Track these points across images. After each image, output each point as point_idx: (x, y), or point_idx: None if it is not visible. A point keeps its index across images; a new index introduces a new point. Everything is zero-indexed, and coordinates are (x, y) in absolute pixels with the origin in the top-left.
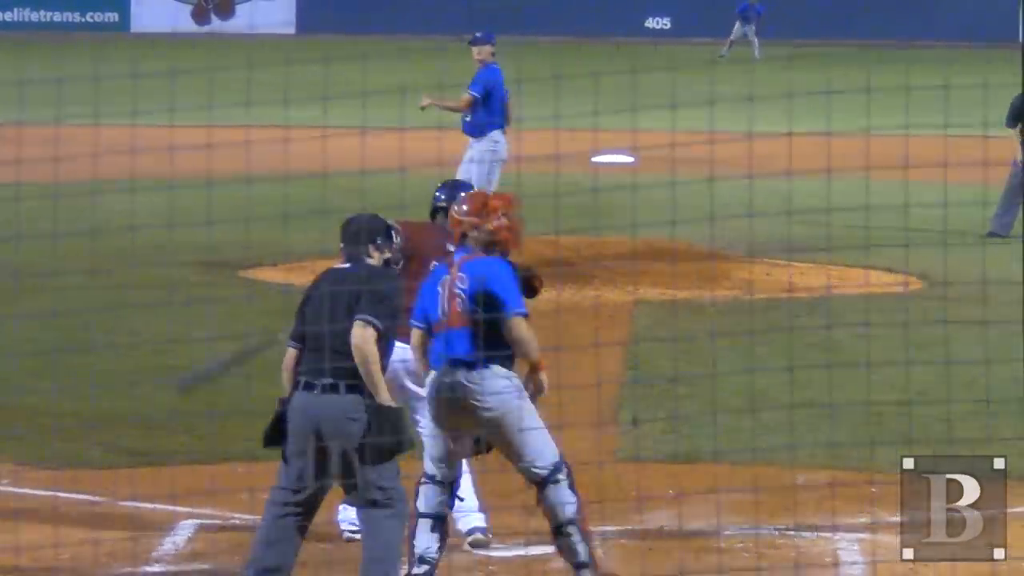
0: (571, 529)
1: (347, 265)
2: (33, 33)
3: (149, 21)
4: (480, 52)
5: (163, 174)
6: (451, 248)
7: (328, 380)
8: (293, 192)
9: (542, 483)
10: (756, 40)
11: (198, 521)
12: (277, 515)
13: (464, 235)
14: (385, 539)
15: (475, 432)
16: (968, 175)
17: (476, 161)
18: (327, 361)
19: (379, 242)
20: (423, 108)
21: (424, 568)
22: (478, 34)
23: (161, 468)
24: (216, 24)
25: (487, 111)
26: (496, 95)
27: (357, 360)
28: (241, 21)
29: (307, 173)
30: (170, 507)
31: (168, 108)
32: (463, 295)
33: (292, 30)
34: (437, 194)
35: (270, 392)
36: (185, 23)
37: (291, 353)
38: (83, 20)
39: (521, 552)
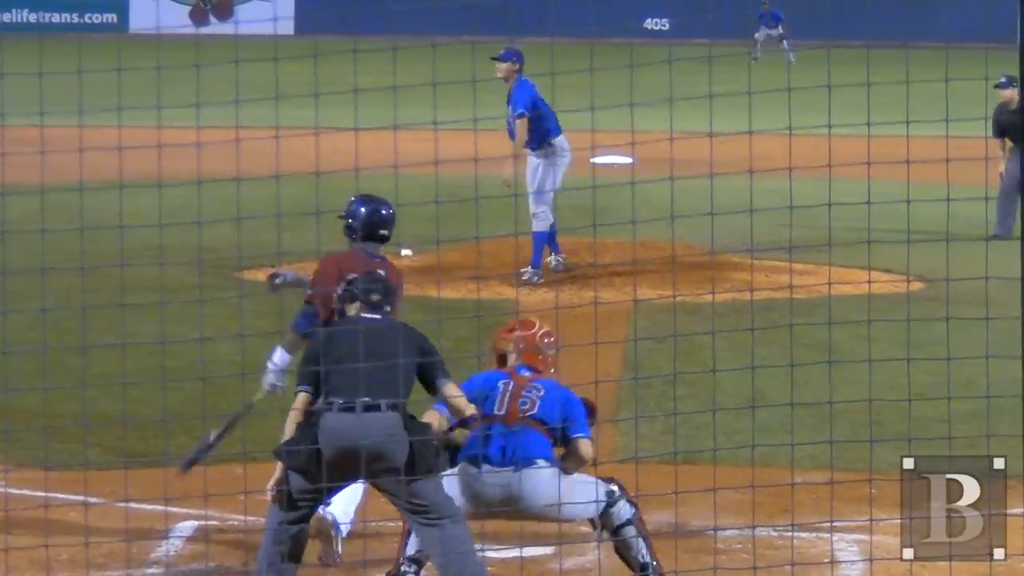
0: (629, 529)
1: (378, 317)
2: (31, 34)
3: (147, 22)
4: (500, 70)
5: (152, 174)
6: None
7: (366, 400)
8: (286, 192)
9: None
10: (786, 44)
11: (196, 522)
12: (285, 531)
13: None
14: (453, 544)
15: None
16: (969, 175)
17: (545, 166)
18: (365, 390)
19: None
20: (507, 182)
21: (413, 568)
22: (501, 51)
23: (158, 469)
24: (214, 25)
25: (539, 124)
26: (541, 106)
27: (463, 413)
28: (239, 22)
29: (299, 173)
30: (167, 508)
31: (156, 107)
32: (534, 400)
33: (291, 31)
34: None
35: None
36: (184, 24)
37: (303, 397)
38: (81, 21)
39: (517, 553)
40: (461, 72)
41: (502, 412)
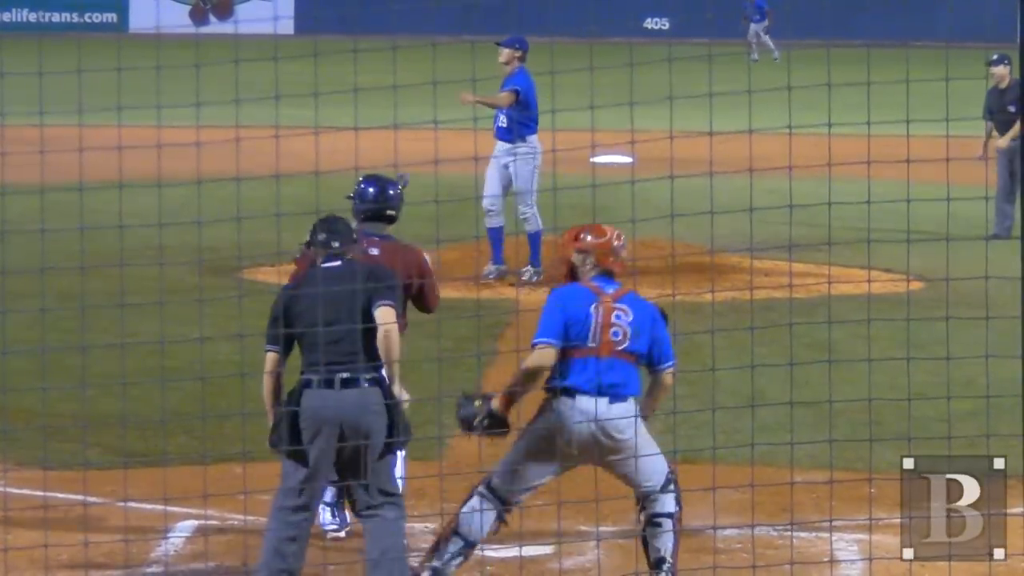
0: (667, 522)
1: (337, 263)
2: (31, 33)
3: (147, 22)
4: (502, 54)
5: (152, 174)
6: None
7: (345, 375)
8: (287, 191)
9: (651, 493)
10: (769, 40)
11: (195, 522)
12: (288, 516)
13: (594, 264)
14: (394, 536)
15: (588, 462)
16: (969, 174)
17: (521, 165)
18: (339, 356)
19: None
20: (464, 103)
21: (460, 544)
22: (507, 38)
23: (158, 469)
24: (214, 24)
25: (526, 114)
26: (532, 98)
27: (386, 344)
28: (239, 21)
29: (299, 172)
30: (167, 508)
31: (155, 107)
32: (626, 328)
33: (291, 30)
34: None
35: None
36: (184, 23)
37: (272, 357)
38: (81, 21)
39: (517, 553)
40: (461, 71)
41: (595, 344)
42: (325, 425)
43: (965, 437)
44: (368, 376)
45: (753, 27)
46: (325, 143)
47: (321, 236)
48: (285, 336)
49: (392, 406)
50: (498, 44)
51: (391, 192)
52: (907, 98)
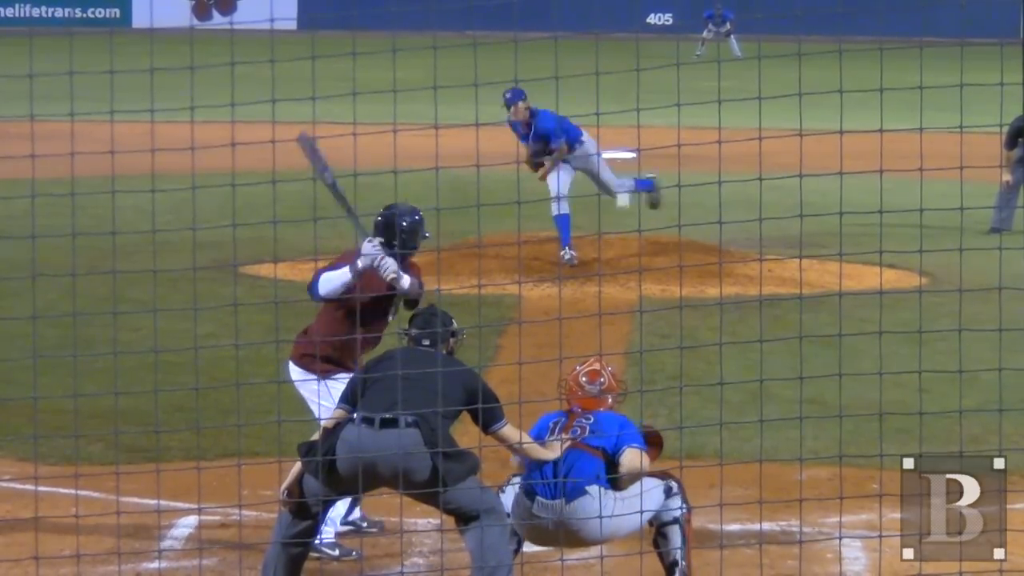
0: (673, 527)
1: (427, 343)
2: (35, 28)
3: (149, 17)
4: (517, 111)
5: (147, 171)
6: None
7: (386, 415)
8: (289, 188)
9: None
10: (734, 40)
11: (198, 517)
12: (294, 521)
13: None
14: (488, 543)
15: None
16: (978, 171)
17: (600, 162)
18: (389, 403)
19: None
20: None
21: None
22: (508, 94)
23: (161, 464)
24: (217, 19)
25: (570, 135)
26: (563, 124)
27: (535, 453)
28: (242, 17)
29: (298, 170)
30: (170, 503)
31: (149, 107)
32: (585, 427)
33: (293, 25)
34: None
35: (269, 390)
36: (187, 19)
37: (339, 413)
38: (85, 16)
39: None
40: (462, 68)
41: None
42: (357, 460)
43: (972, 435)
44: (408, 419)
45: (714, 28)
46: (324, 141)
47: (414, 331)
48: (354, 397)
49: (438, 447)
50: (507, 105)
51: (384, 222)
52: (920, 99)
